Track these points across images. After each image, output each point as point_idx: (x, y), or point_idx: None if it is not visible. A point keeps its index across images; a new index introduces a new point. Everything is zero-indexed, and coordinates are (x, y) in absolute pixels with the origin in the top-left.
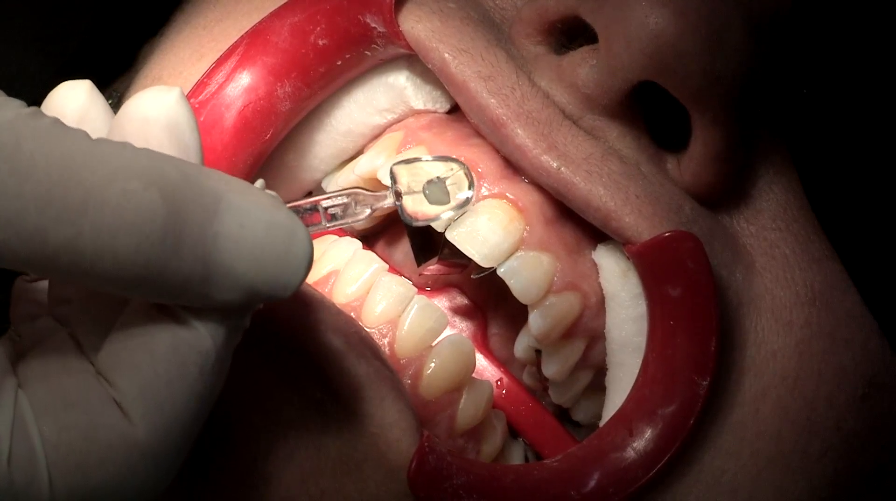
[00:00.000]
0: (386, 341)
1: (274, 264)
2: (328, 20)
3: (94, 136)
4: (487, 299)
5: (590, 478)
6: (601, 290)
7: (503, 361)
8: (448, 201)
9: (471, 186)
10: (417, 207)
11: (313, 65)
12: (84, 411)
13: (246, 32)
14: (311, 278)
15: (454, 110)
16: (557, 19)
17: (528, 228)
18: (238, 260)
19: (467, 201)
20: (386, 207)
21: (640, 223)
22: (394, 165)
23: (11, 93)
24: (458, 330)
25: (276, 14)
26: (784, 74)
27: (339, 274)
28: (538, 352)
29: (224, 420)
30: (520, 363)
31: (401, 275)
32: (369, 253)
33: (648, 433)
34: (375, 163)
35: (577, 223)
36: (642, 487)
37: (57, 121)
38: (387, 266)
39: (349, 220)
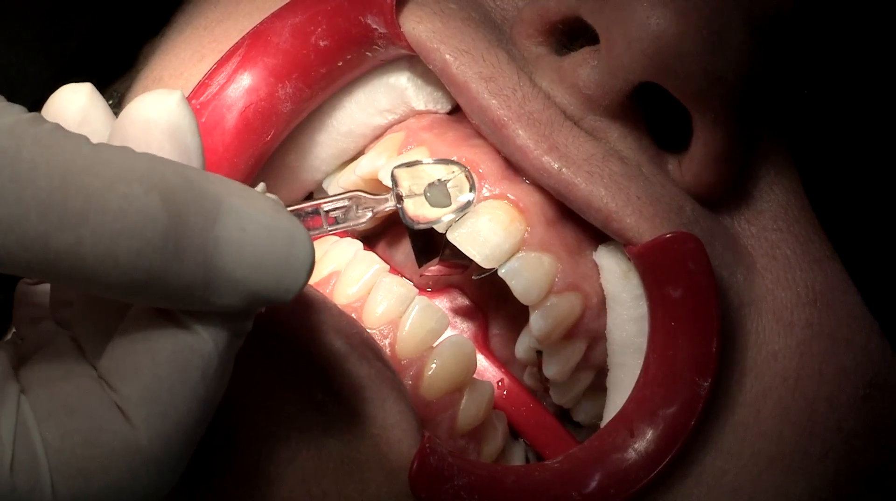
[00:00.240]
0: (387, 341)
1: (275, 268)
2: (329, 21)
3: (94, 139)
4: (488, 299)
5: (591, 479)
6: (602, 291)
7: (504, 362)
8: (449, 204)
9: (472, 188)
10: (419, 210)
11: (314, 66)
12: (86, 416)
13: (247, 33)
14: (313, 279)
15: (455, 111)
16: (558, 20)
17: (529, 228)
18: (239, 265)
19: (468, 204)
20: (387, 210)
21: (641, 224)
22: (395, 168)
23: (12, 93)
24: (459, 331)
25: (277, 15)
26: (785, 75)
27: (340, 275)
28: (539, 353)
29: (226, 422)
30: (521, 364)
31: (402, 276)
32: (370, 254)
33: (649, 434)
34: (376, 163)
35: (578, 224)
36: (643, 488)
37: (57, 126)
38: (388, 267)
39: (350, 223)
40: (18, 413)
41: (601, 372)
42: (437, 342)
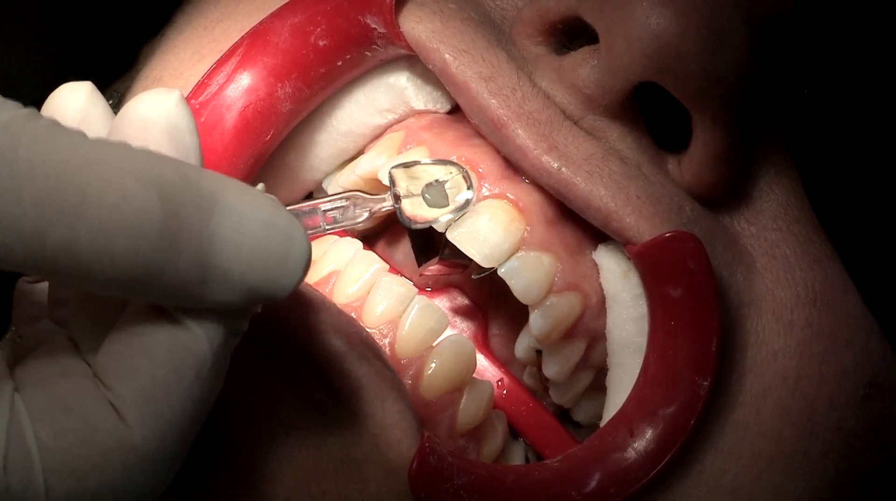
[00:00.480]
0: (386, 341)
1: (272, 265)
2: (328, 21)
3: (93, 138)
4: (488, 299)
5: (591, 479)
6: (602, 290)
7: (504, 361)
8: (447, 204)
9: (469, 188)
10: (416, 209)
11: (314, 65)
12: (81, 415)
13: (246, 33)
14: (312, 279)
15: (455, 110)
16: (558, 20)
17: (528, 228)
18: (236, 261)
19: (466, 204)
20: (384, 209)
21: (641, 224)
22: (392, 168)
23: (12, 93)
24: (458, 330)
25: (277, 15)
26: (785, 75)
27: (339, 274)
28: (539, 352)
29: (224, 421)
30: (520, 364)
31: (401, 275)
32: (370, 253)
33: (649, 434)
34: (376, 163)
35: (577, 224)
36: (643, 487)
37: (54, 122)
38: (387, 266)
39: (347, 223)
40: (12, 412)
41: (601, 372)
42: (436, 342)
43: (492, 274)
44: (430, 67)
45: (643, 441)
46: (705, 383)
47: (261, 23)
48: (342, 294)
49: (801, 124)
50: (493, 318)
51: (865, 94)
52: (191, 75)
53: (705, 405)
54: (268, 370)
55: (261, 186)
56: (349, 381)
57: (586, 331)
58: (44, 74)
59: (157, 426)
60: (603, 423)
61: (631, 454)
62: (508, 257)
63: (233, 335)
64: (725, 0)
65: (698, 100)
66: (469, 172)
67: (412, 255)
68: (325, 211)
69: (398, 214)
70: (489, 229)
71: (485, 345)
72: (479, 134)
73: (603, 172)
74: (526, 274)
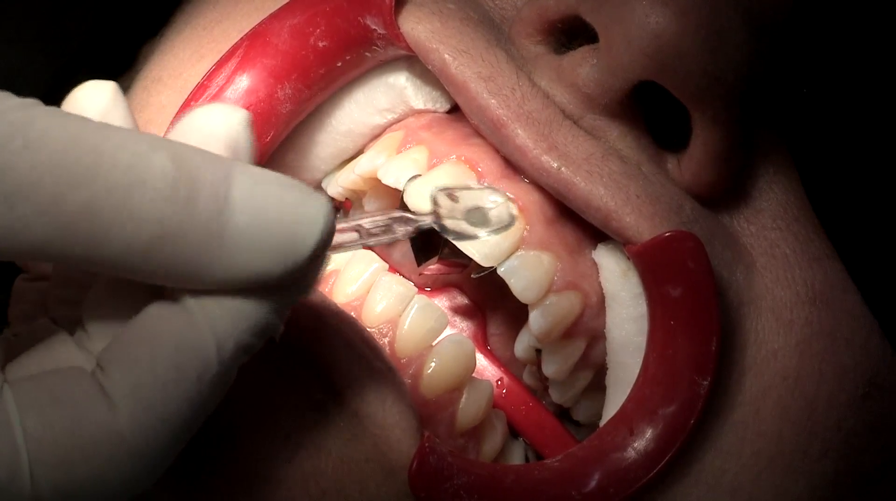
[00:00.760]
0: (386, 340)
1: (290, 219)
2: (328, 22)
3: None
4: (487, 298)
5: (590, 478)
6: (601, 289)
7: (503, 360)
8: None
9: (511, 223)
10: (455, 228)
11: (313, 66)
12: (69, 406)
13: (246, 34)
14: None
15: (454, 110)
16: (558, 19)
17: (528, 227)
18: (253, 220)
19: (509, 224)
20: (424, 228)
21: (641, 223)
22: (437, 190)
23: (11, 92)
24: (458, 330)
25: (276, 16)
26: (785, 74)
27: (339, 274)
28: (538, 352)
29: (224, 421)
30: (520, 363)
31: (401, 275)
32: (369, 253)
33: (649, 433)
34: (376, 162)
35: (577, 223)
36: (643, 487)
37: (62, 110)
38: (387, 266)
39: (386, 239)
40: (0, 403)
41: (601, 371)
42: (436, 341)
43: (491, 273)
44: (430, 67)
45: (643, 440)
46: (705, 382)
47: (260, 24)
48: (342, 293)
49: (800, 123)
50: (493, 317)
51: (865, 93)
52: (190, 76)
53: (705, 405)
54: (268, 370)
55: None
56: (349, 381)
57: (586, 330)
58: (44, 74)
59: (147, 420)
60: (602, 422)
61: (631, 453)
62: (508, 257)
63: (243, 351)
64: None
65: (698, 99)
66: (514, 207)
67: (411, 254)
68: (366, 229)
69: (440, 230)
70: None
71: (484, 344)
72: (479, 133)
73: (602, 171)
74: (525, 273)
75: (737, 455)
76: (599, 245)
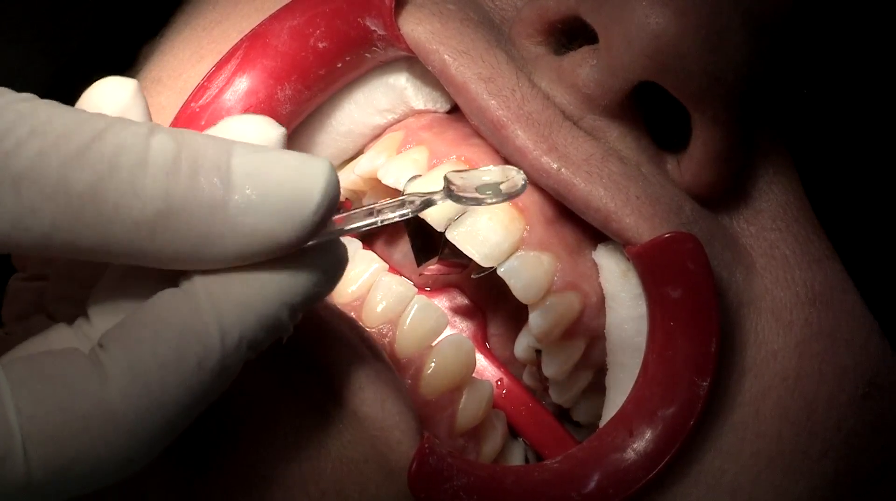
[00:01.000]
0: (386, 341)
1: (293, 179)
2: (328, 23)
3: None
4: (487, 298)
5: (590, 479)
6: (601, 290)
7: (503, 361)
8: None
9: (524, 188)
10: (468, 195)
11: (313, 67)
12: (61, 381)
13: (245, 35)
14: None
15: (454, 110)
16: (558, 19)
17: (528, 227)
18: (256, 182)
19: (520, 191)
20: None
21: (641, 224)
22: (448, 173)
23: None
24: (458, 330)
25: (276, 17)
26: (784, 74)
27: None
28: (538, 352)
29: (224, 422)
30: (520, 363)
31: (401, 275)
32: (369, 253)
33: (648, 435)
34: (376, 163)
35: (577, 223)
36: (642, 488)
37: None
38: (387, 266)
39: (397, 215)
40: None
41: (600, 372)
42: (436, 341)
43: (491, 274)
44: (430, 68)
45: (642, 441)
46: (704, 383)
47: (260, 25)
48: (341, 294)
49: (800, 124)
50: (493, 317)
51: (865, 93)
52: (190, 76)
53: (704, 406)
54: (267, 371)
55: None
56: (349, 382)
57: (586, 331)
58: (43, 75)
59: (141, 399)
60: (602, 423)
61: (630, 454)
62: (508, 257)
63: (248, 345)
64: (724, 0)
65: (698, 99)
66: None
67: (411, 254)
68: (378, 209)
69: (448, 193)
70: (489, 228)
71: (484, 345)
72: (479, 134)
73: (602, 172)
74: (525, 274)
75: (736, 456)
76: (599, 246)
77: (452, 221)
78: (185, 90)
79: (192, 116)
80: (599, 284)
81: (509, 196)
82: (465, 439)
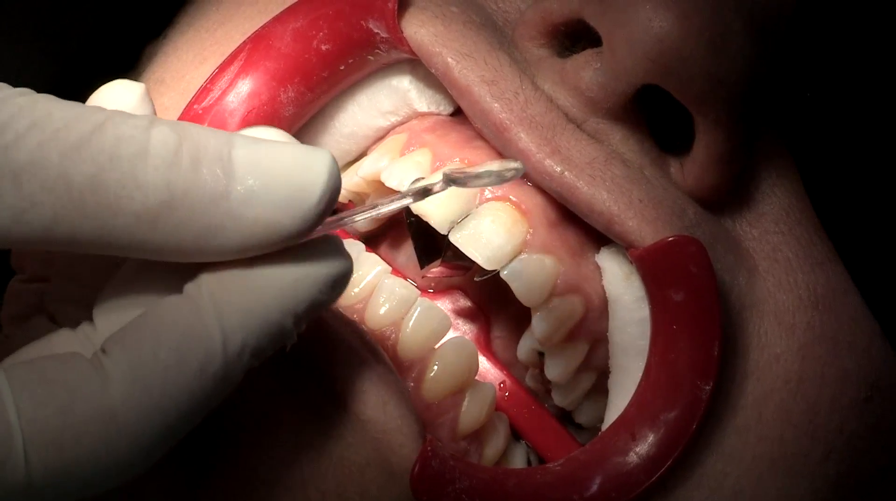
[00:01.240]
0: (389, 343)
1: (295, 170)
2: (330, 25)
3: None
4: (490, 301)
5: (592, 482)
6: (604, 293)
7: (506, 363)
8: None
9: (521, 171)
10: (467, 176)
11: (316, 70)
12: (63, 386)
13: (248, 37)
14: None
15: (458, 112)
16: (561, 22)
17: (531, 230)
18: (258, 172)
19: (512, 174)
20: (436, 190)
21: (644, 228)
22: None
23: None
24: (461, 332)
25: (279, 19)
26: (787, 77)
27: None
28: (541, 355)
29: (224, 425)
30: (522, 366)
31: (404, 277)
32: (372, 256)
33: (651, 438)
34: (379, 165)
35: (580, 226)
36: (645, 491)
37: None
38: (390, 268)
39: (398, 205)
40: None
41: (603, 374)
42: (439, 344)
43: (494, 276)
44: (433, 70)
45: (645, 445)
46: (707, 387)
47: (263, 27)
48: (344, 296)
49: (802, 126)
50: (496, 320)
51: (868, 96)
52: (193, 78)
53: (707, 409)
54: (269, 374)
55: None
56: (351, 385)
57: (588, 333)
58: (44, 75)
59: (142, 402)
60: (604, 426)
61: (633, 458)
62: (511, 260)
63: (251, 352)
64: (728, 3)
65: (701, 102)
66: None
67: (415, 257)
68: (380, 203)
69: (455, 183)
70: (492, 231)
71: (487, 347)
72: (482, 136)
73: (605, 175)
74: (528, 276)
75: (739, 459)
76: (602, 249)
77: (455, 223)
78: (189, 92)
79: (195, 117)
80: (602, 287)
81: (507, 178)
82: (468, 441)
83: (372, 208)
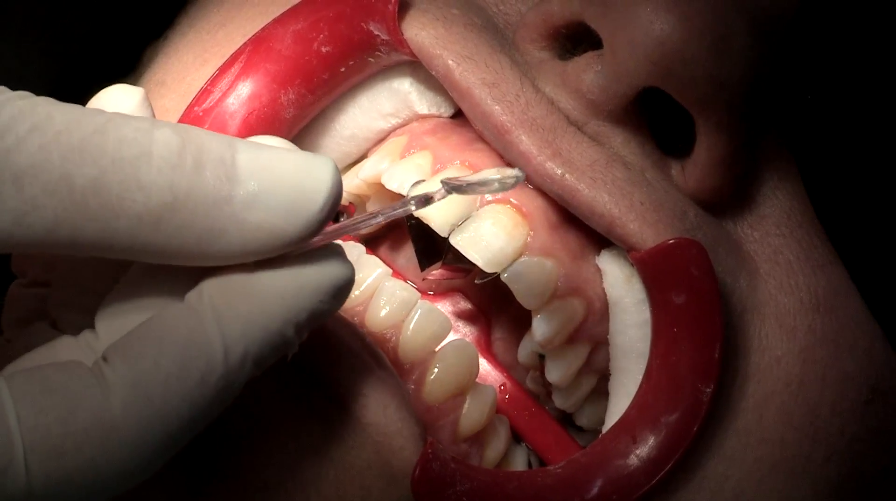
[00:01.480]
0: (389, 346)
1: (297, 176)
2: (331, 27)
3: None
4: (491, 303)
5: (593, 485)
6: (605, 295)
7: (506, 366)
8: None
9: (520, 178)
10: (466, 183)
11: (317, 72)
12: (63, 394)
13: (249, 39)
14: None
15: (458, 115)
16: (562, 24)
17: (531, 233)
18: (261, 177)
19: (513, 182)
20: (437, 199)
21: (645, 230)
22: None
23: None
24: (461, 335)
25: (279, 21)
26: (789, 80)
27: None
28: (542, 357)
29: (225, 430)
30: (523, 368)
31: (404, 280)
32: (373, 258)
33: (652, 441)
34: (380, 167)
35: (581, 228)
36: (645, 494)
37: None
38: (390, 271)
39: (401, 211)
40: None
41: (604, 377)
42: (439, 347)
43: (495, 279)
44: (434, 73)
45: (646, 447)
46: (708, 389)
47: (263, 29)
48: None
49: (804, 129)
50: (496, 322)
51: (869, 99)
52: (194, 79)
53: (708, 412)
54: (268, 378)
55: None
56: (351, 388)
57: (589, 336)
58: (44, 77)
59: (142, 411)
60: (605, 429)
61: (633, 460)
62: (511, 262)
63: (252, 361)
64: (729, 4)
65: (702, 105)
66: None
67: (415, 259)
68: (381, 212)
69: (455, 190)
70: (492, 233)
71: (487, 349)
72: (483, 139)
73: (606, 178)
74: (529, 279)
75: (740, 462)
76: (603, 251)
77: (456, 226)
78: (189, 93)
79: (196, 119)
80: (603, 289)
81: (508, 185)
82: (469, 444)
83: (373, 216)
